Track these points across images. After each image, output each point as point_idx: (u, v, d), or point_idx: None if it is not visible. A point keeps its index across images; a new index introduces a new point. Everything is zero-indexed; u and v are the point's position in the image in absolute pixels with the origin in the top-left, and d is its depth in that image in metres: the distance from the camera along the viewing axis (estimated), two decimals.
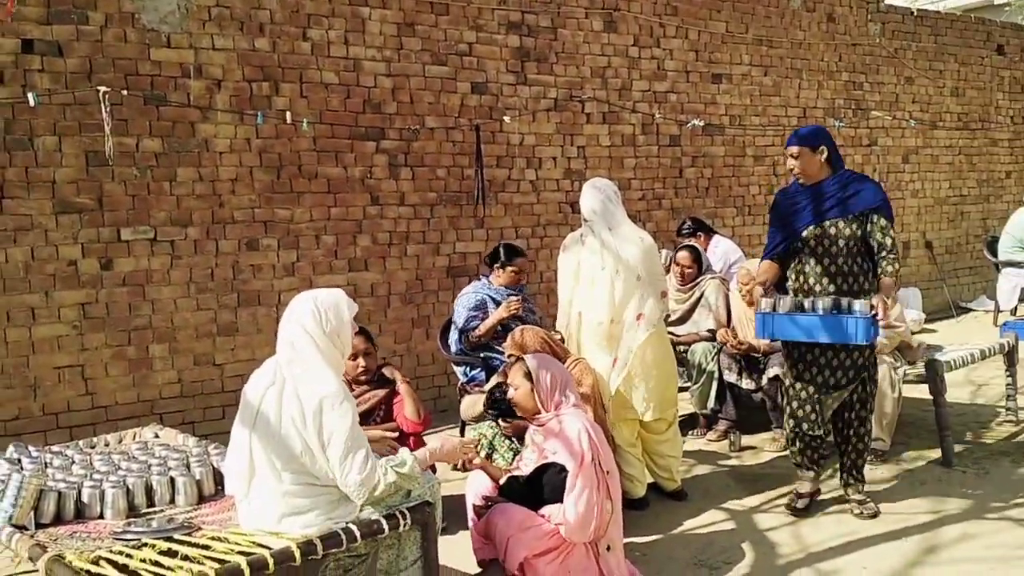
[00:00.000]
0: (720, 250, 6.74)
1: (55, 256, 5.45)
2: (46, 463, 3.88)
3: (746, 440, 5.70)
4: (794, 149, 4.31)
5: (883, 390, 5.14)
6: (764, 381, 5.54)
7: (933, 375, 5.22)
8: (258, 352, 6.10)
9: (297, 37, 6.19)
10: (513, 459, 4.16)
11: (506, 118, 7.05)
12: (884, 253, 4.21)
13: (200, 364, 5.93)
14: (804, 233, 4.33)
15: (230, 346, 6.03)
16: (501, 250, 5.33)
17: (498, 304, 5.14)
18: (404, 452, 3.21)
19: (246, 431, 3.10)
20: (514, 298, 5.12)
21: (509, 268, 5.25)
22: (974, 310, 10.47)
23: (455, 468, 4.45)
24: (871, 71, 9.75)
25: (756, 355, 5.61)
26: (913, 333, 6.26)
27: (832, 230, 4.30)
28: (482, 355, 5.12)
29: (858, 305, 4.11)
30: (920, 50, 10.21)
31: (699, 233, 6.67)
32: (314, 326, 3.11)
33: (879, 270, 4.23)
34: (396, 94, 6.62)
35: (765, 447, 5.60)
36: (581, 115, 7.58)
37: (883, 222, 4.24)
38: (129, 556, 3.00)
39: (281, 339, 3.18)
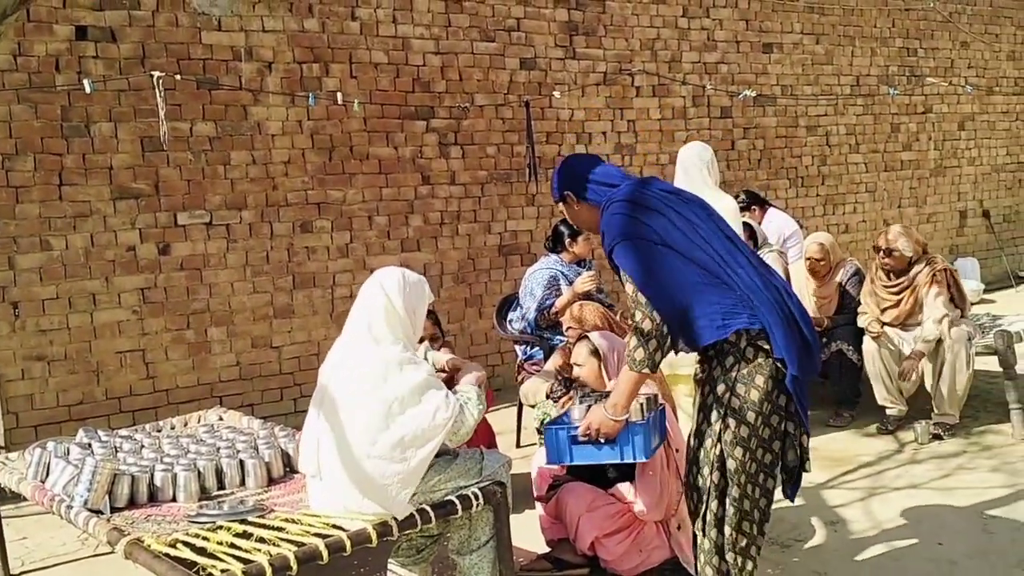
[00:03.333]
0: (774, 224, 6.62)
1: (114, 242, 5.51)
2: (116, 447, 3.92)
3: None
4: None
5: (958, 365, 5.03)
6: (826, 356, 5.45)
7: (1003, 345, 5.09)
8: (314, 333, 6.14)
9: (346, 17, 6.17)
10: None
11: (555, 93, 6.98)
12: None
13: (257, 347, 5.97)
14: None
15: (287, 328, 6.06)
16: (563, 227, 5.25)
17: (570, 280, 5.10)
18: (464, 385, 3.18)
19: (317, 410, 3.10)
20: (589, 272, 5.07)
21: (580, 239, 5.18)
22: None
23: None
24: (925, 36, 9.52)
25: (818, 329, 5.51)
26: (972, 304, 6.10)
27: None
28: (542, 334, 5.09)
29: (576, 411, 3.28)
30: (975, 14, 9.95)
31: (753, 207, 6.56)
32: (397, 295, 3.07)
33: None
34: (445, 72, 6.58)
35: (828, 423, 5.51)
36: (631, 88, 7.48)
37: (622, 272, 2.93)
38: (206, 539, 3.02)
39: (357, 307, 3.12)
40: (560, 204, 3.15)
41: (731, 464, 2.88)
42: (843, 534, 3.98)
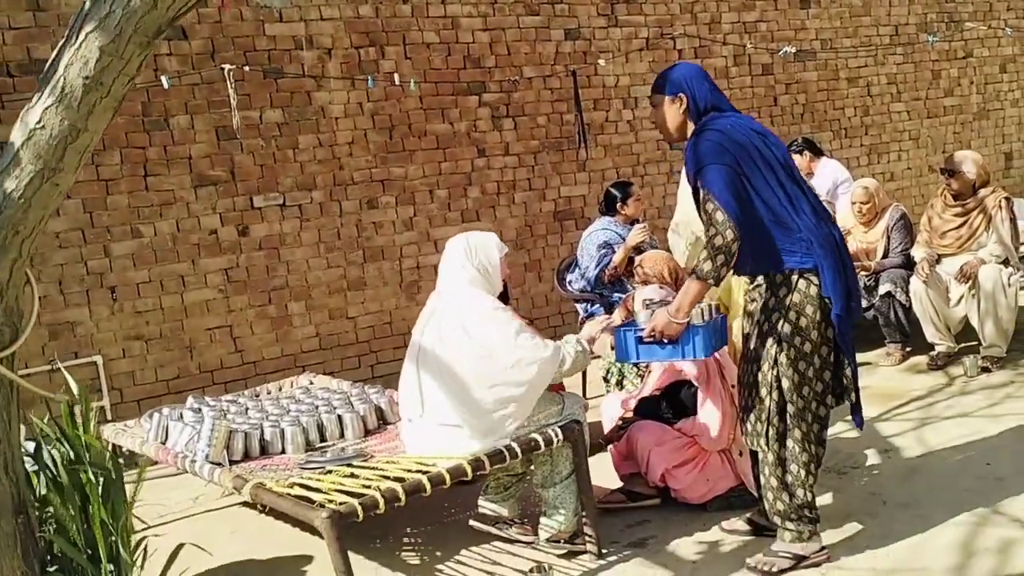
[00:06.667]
0: (828, 171, 6.90)
1: (197, 227, 5.91)
2: (224, 411, 4.32)
3: (861, 357, 5.86)
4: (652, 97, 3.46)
5: (996, 297, 5.25)
6: (876, 298, 5.69)
7: None
8: (386, 303, 6.52)
9: (398, 1, 6.47)
10: (642, 382, 4.44)
11: (600, 61, 7.23)
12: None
13: (335, 318, 6.36)
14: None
15: (360, 299, 6.44)
16: (614, 190, 5.57)
17: (623, 240, 5.39)
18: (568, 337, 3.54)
19: (415, 360, 3.47)
20: (640, 226, 5.35)
21: (632, 200, 5.49)
22: None
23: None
24: None
25: (864, 273, 5.75)
26: (1023, 243, 6.28)
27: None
28: (601, 292, 5.39)
29: (641, 315, 3.49)
30: None
31: (805, 152, 6.82)
32: (465, 260, 3.45)
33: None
34: (494, 47, 6.87)
35: (880, 362, 5.76)
36: (673, 52, 7.70)
37: (702, 194, 3.22)
38: (320, 481, 3.40)
39: (440, 273, 3.53)
40: (662, 97, 3.31)
41: (786, 384, 3.22)
42: (896, 460, 4.25)
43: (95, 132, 2.15)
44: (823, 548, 3.34)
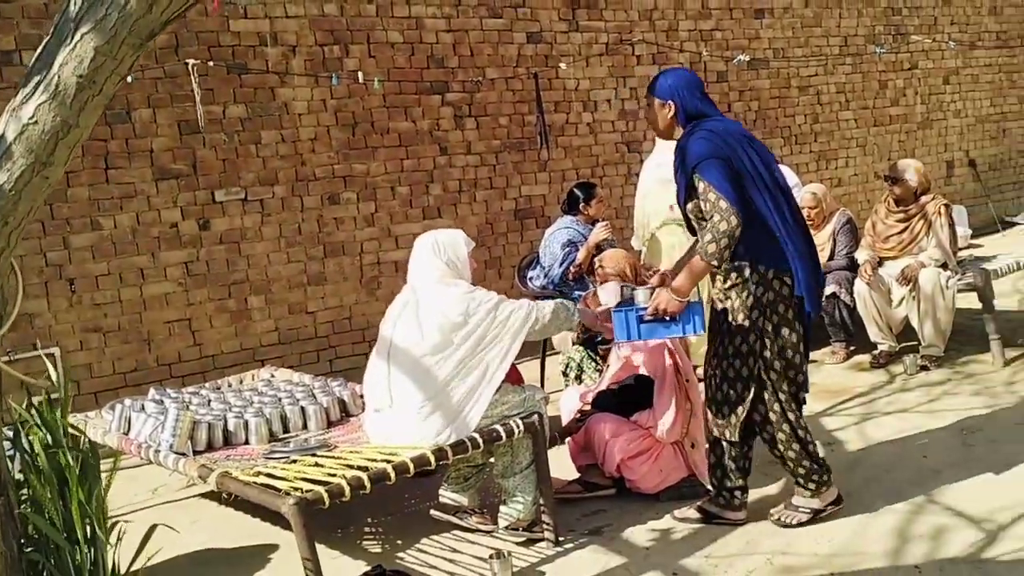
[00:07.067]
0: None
1: (158, 220, 5.93)
2: (186, 402, 4.37)
3: None
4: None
5: (935, 299, 5.49)
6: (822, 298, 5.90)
7: (982, 282, 5.55)
8: (346, 299, 6.59)
9: (362, 0, 6.55)
10: (599, 377, 4.59)
11: (562, 65, 7.38)
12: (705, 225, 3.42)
13: (294, 312, 6.42)
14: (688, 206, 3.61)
15: (320, 294, 6.50)
16: (577, 191, 5.73)
17: (585, 239, 5.53)
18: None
19: (385, 352, 3.57)
20: (602, 224, 5.51)
21: (594, 201, 5.66)
22: (1019, 223, 10.65)
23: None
24: None
25: None
26: (960, 249, 6.56)
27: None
28: (562, 289, 5.54)
29: (640, 295, 3.65)
30: None
31: None
32: (433, 256, 3.59)
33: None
34: (457, 48, 6.98)
35: (825, 360, 5.97)
36: (632, 57, 7.88)
37: (701, 186, 3.39)
38: (284, 470, 3.48)
39: (410, 270, 3.66)
40: (653, 99, 3.60)
41: (774, 376, 3.54)
42: (839, 453, 4.45)
43: (86, 128, 2.23)
44: (838, 499, 3.72)
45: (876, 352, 5.79)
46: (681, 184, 3.54)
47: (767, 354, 3.51)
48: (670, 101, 3.55)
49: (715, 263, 3.38)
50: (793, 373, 3.57)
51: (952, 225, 5.73)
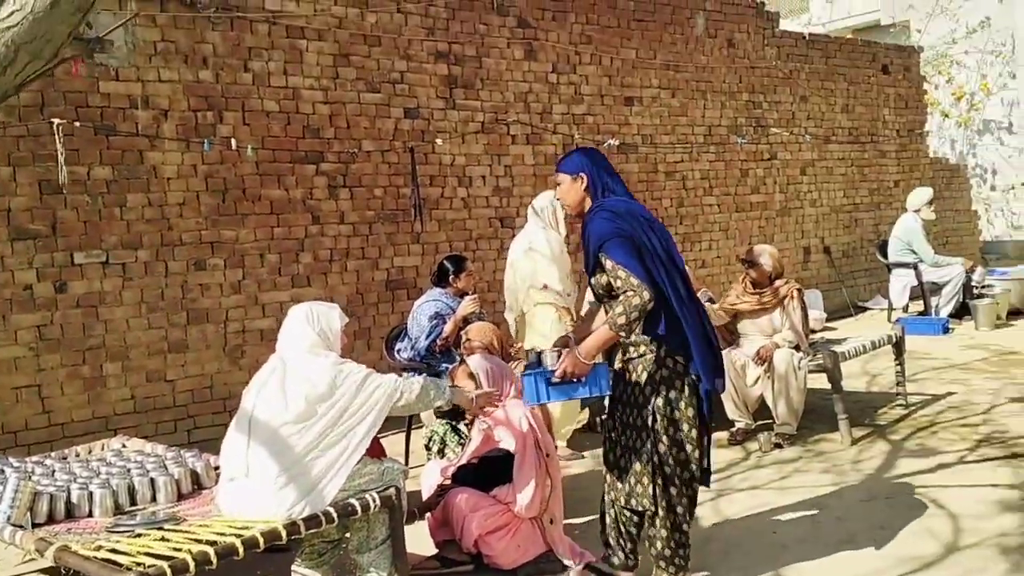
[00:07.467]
0: None
1: (11, 281, 5.68)
2: (28, 472, 4.15)
3: None
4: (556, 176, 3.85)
5: (788, 379, 5.75)
6: None
7: (831, 364, 5.84)
8: (207, 367, 6.42)
9: (239, 69, 6.54)
10: (462, 451, 4.59)
11: (438, 141, 7.51)
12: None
13: (152, 380, 6.21)
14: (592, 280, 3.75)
15: (180, 362, 6.32)
16: (448, 263, 5.79)
17: (454, 311, 5.57)
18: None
19: (246, 420, 3.50)
20: (470, 297, 5.57)
21: (464, 274, 5.73)
22: (870, 308, 11.29)
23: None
24: (769, 91, 10.51)
25: None
26: (815, 331, 6.91)
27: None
28: (429, 362, 5.54)
29: (548, 358, 3.73)
30: (813, 71, 11.03)
31: None
32: (306, 326, 3.57)
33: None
34: (334, 120, 7.02)
35: None
36: (507, 137, 8.09)
37: (608, 264, 3.53)
38: (129, 544, 3.33)
39: (280, 338, 3.62)
40: (564, 175, 3.76)
41: (662, 448, 3.63)
42: (695, 529, 4.49)
43: None
44: None
45: (733, 429, 5.99)
46: (590, 259, 3.68)
47: (658, 428, 3.60)
48: (581, 174, 3.71)
49: (623, 334, 3.52)
50: (685, 454, 3.63)
51: (804, 308, 6.03)
